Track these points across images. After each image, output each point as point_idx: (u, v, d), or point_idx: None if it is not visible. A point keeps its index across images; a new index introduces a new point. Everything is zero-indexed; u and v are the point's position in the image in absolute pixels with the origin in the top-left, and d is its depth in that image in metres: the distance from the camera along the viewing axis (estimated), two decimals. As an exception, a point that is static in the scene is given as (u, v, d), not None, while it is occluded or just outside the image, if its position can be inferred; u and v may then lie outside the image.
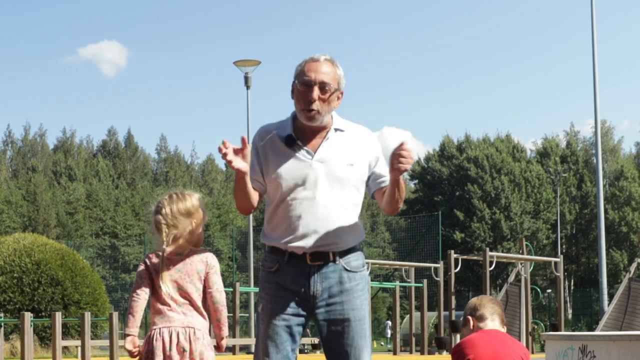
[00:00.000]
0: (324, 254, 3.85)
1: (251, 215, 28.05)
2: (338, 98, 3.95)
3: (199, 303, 4.18)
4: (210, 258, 4.23)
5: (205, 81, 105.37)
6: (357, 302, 3.89)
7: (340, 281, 3.88)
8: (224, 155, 3.73)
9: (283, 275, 3.88)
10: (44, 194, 62.89)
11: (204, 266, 4.19)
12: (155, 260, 4.20)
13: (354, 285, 3.90)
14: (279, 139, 3.93)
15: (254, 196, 3.95)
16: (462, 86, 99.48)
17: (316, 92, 3.85)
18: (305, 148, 3.90)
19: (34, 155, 76.87)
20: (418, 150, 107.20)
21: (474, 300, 4.71)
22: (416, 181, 66.23)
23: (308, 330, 28.09)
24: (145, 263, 4.21)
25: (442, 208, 54.95)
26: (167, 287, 4.16)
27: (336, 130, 3.94)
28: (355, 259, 3.94)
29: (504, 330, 4.62)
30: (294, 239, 3.84)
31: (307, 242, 3.83)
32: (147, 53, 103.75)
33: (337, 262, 3.87)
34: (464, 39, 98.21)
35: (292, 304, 3.86)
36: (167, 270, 4.17)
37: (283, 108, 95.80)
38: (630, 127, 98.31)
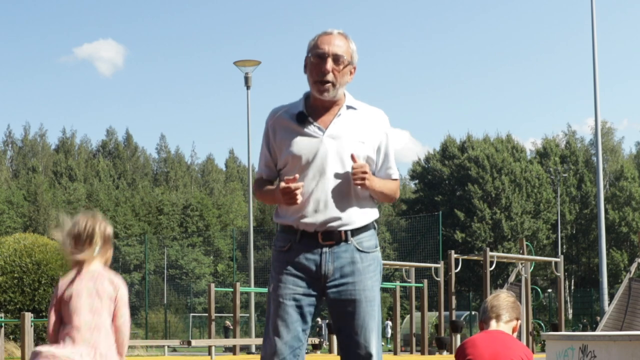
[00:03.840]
0: (335, 233, 3.82)
1: (251, 215, 28.04)
2: (351, 73, 3.92)
3: (107, 324, 4.07)
4: (120, 284, 4.10)
5: (205, 81, 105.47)
6: (368, 283, 3.86)
7: (352, 261, 3.84)
8: (296, 192, 3.74)
9: (295, 254, 3.85)
10: (44, 194, 62.91)
11: (112, 287, 4.07)
12: (64, 279, 4.09)
13: (366, 265, 3.87)
14: (290, 117, 3.90)
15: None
16: (462, 86, 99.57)
17: (330, 63, 3.83)
18: (316, 124, 3.87)
19: (35, 155, 76.85)
20: (417, 150, 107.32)
21: (484, 302, 4.71)
22: (416, 181, 66.22)
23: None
24: (55, 294, 4.09)
25: (443, 208, 54.95)
26: (74, 306, 4.04)
27: (348, 107, 3.92)
28: (368, 239, 3.90)
29: (515, 324, 4.60)
30: (306, 215, 3.81)
31: (318, 218, 3.80)
32: (145, 52, 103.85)
33: (349, 242, 3.84)
34: (464, 39, 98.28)
35: (304, 284, 3.83)
36: (77, 289, 4.06)
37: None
38: (630, 127, 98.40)
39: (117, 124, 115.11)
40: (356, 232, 3.86)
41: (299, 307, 3.82)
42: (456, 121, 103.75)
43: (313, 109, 3.91)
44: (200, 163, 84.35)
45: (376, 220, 3.99)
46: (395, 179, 4.01)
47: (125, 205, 65.79)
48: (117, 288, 4.06)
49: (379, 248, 3.99)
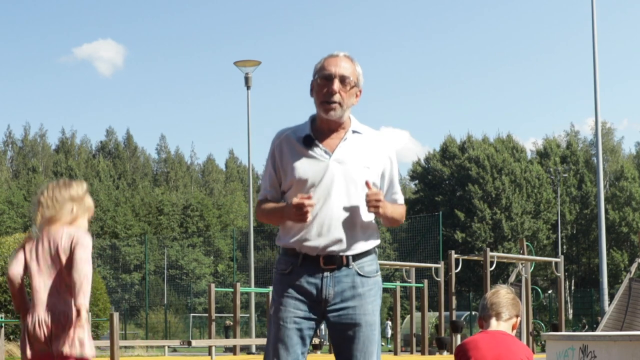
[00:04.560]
0: (337, 258, 3.83)
1: (251, 216, 28.03)
2: (357, 95, 3.94)
3: (65, 282, 4.09)
4: (78, 234, 4.11)
5: (205, 81, 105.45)
6: (369, 308, 3.87)
7: (353, 285, 3.86)
8: (308, 209, 3.74)
9: (296, 277, 3.86)
10: (44, 195, 62.70)
11: (69, 241, 4.09)
12: (29, 242, 4.18)
13: (367, 290, 3.88)
14: (297, 140, 3.91)
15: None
16: (462, 86, 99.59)
17: (337, 84, 3.84)
18: (322, 148, 3.87)
19: (35, 155, 76.86)
20: (417, 150, 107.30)
21: (483, 299, 4.64)
22: (417, 181, 66.25)
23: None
24: (22, 246, 4.20)
25: (443, 208, 54.96)
26: (36, 268, 4.11)
27: (354, 132, 3.92)
28: (369, 264, 3.91)
29: (515, 321, 4.54)
30: (308, 238, 3.82)
31: (321, 242, 3.81)
32: (145, 52, 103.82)
33: (351, 266, 3.85)
34: (464, 39, 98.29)
35: (304, 307, 3.85)
36: (37, 251, 4.12)
37: (283, 108, 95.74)
38: (630, 127, 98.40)
39: (117, 124, 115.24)
40: (357, 257, 3.88)
41: (299, 330, 3.84)
42: (456, 121, 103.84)
43: (319, 131, 3.91)
44: (200, 163, 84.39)
45: (377, 246, 4.00)
46: (401, 204, 4.03)
47: (126, 205, 65.78)
48: (72, 238, 4.08)
49: (379, 273, 3.99)
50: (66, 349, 4.05)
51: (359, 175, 3.84)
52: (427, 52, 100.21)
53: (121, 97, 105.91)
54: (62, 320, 4.06)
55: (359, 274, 3.87)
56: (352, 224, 3.84)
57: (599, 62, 25.81)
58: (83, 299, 4.01)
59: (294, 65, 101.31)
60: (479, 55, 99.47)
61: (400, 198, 4.04)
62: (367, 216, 3.89)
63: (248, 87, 26.65)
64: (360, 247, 3.87)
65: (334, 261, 3.83)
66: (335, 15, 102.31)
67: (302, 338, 3.84)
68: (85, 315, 4.04)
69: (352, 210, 3.84)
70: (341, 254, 3.83)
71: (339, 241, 3.82)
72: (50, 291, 4.10)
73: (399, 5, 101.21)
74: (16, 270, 4.14)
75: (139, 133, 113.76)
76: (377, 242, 3.96)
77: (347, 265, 3.85)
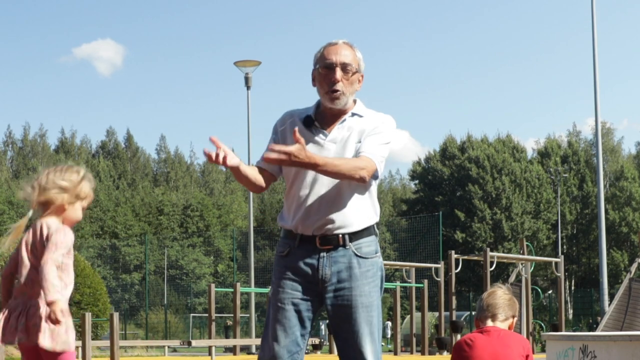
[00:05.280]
0: (333, 238, 3.84)
1: (251, 216, 28.03)
2: (359, 81, 3.98)
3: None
4: (54, 229, 3.88)
5: (205, 81, 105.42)
6: (365, 289, 3.86)
7: (349, 266, 3.85)
8: (217, 158, 3.70)
9: (293, 259, 3.87)
10: (44, 195, 62.69)
11: (47, 234, 3.88)
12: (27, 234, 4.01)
13: (364, 271, 3.87)
14: (300, 121, 3.95)
15: (258, 178, 3.89)
16: (462, 86, 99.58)
17: (339, 73, 3.88)
18: (322, 130, 3.91)
19: (35, 155, 76.85)
20: (417, 150, 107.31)
21: (480, 300, 4.64)
22: (417, 181, 66.24)
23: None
24: (20, 242, 4.02)
25: (443, 208, 54.94)
26: (21, 259, 4.00)
27: (354, 114, 3.95)
28: (368, 245, 3.90)
29: (512, 322, 4.52)
30: (303, 217, 3.84)
31: (315, 220, 3.83)
32: (145, 52, 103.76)
33: (347, 247, 3.85)
34: (464, 39, 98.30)
35: (302, 289, 3.85)
36: (25, 241, 3.99)
37: (283, 108, 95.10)
38: (630, 127, 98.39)
39: (117, 124, 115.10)
40: (354, 237, 3.87)
41: (298, 312, 3.84)
42: (456, 121, 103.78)
43: (322, 116, 3.96)
44: (200, 163, 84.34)
45: (377, 224, 3.99)
46: (364, 157, 3.81)
47: (126, 205, 65.78)
48: (48, 231, 3.91)
49: (379, 254, 3.97)
50: (40, 342, 3.88)
51: (353, 154, 3.85)
52: (427, 52, 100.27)
53: (121, 97, 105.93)
54: (30, 312, 3.94)
55: (357, 255, 3.86)
56: (345, 202, 3.84)
57: (599, 62, 25.86)
58: (52, 294, 3.76)
59: (294, 65, 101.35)
60: (479, 55, 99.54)
61: (367, 151, 3.82)
62: (363, 195, 3.88)
63: (248, 87, 26.64)
64: (356, 224, 3.86)
65: (330, 241, 3.84)
66: (335, 15, 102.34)
67: (301, 320, 3.84)
68: (59, 309, 3.76)
69: (346, 189, 3.84)
70: (336, 231, 3.83)
71: (333, 219, 3.83)
72: (25, 281, 4.00)
73: (399, 5, 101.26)
74: (7, 270, 4.04)
75: (139, 133, 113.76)
76: (375, 220, 3.94)
77: (344, 245, 3.84)
